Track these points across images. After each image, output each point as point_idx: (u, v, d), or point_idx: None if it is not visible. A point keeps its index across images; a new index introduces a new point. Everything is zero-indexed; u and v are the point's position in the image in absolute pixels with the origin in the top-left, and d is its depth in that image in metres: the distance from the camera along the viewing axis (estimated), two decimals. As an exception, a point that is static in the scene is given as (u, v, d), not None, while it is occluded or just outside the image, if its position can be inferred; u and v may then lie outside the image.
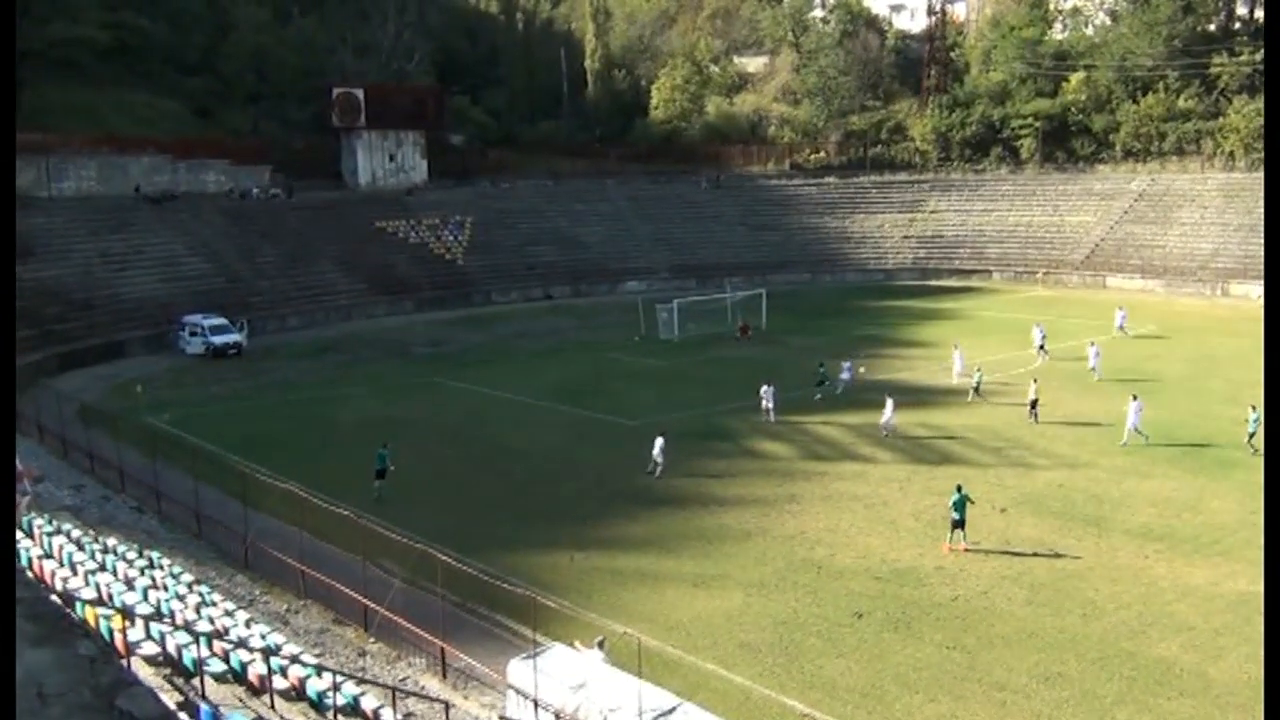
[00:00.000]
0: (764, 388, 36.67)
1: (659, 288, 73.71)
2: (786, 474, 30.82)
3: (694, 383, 44.51)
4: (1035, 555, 23.97)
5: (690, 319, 57.12)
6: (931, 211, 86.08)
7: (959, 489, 24.24)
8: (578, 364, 49.63)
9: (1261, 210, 64.89)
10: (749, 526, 26.44)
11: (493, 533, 26.27)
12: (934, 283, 75.85)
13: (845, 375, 40.48)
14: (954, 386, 40.37)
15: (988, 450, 33.01)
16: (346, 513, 24.03)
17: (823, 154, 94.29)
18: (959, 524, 24.04)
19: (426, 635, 19.46)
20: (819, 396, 39.39)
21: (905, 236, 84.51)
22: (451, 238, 77.98)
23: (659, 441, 30.74)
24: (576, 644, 17.69)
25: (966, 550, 24.03)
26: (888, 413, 34.19)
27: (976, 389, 38.24)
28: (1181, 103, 78.49)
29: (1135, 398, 33.05)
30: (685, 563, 24.15)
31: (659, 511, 27.70)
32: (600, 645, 17.37)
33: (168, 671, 15.04)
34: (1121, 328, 49.85)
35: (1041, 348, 45.10)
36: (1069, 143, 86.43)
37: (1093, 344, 43.13)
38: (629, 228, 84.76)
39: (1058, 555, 24.02)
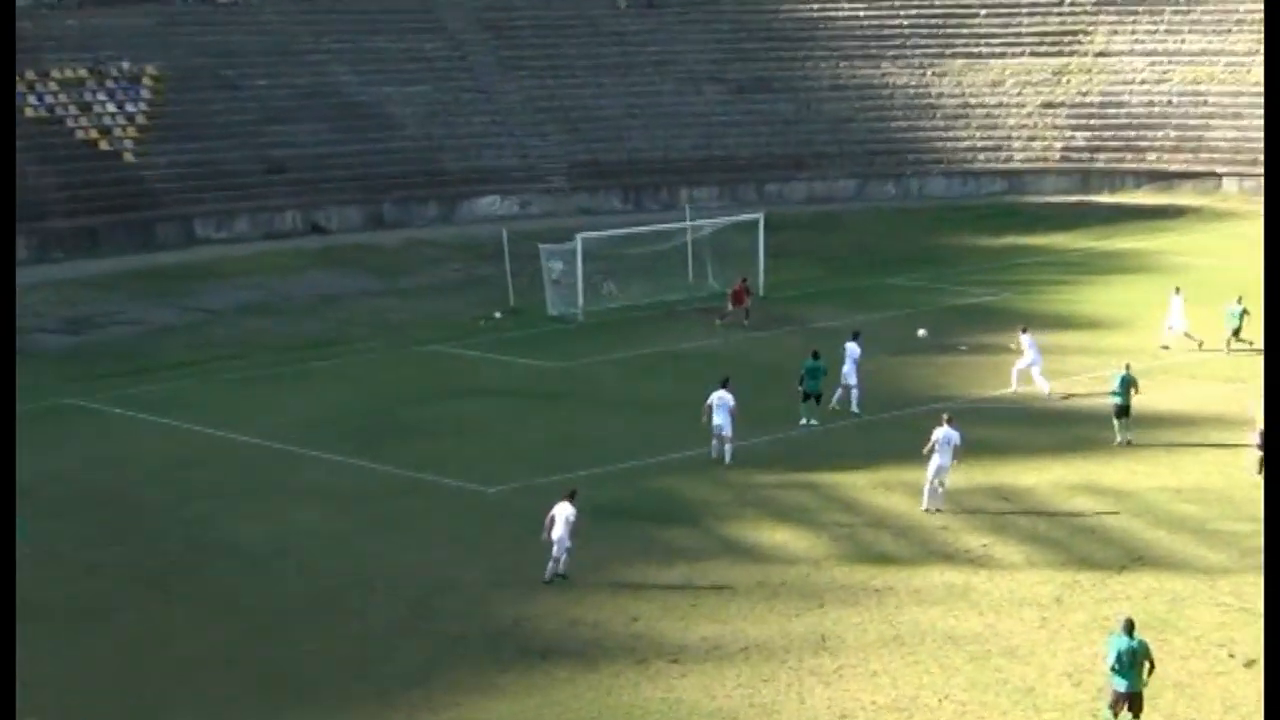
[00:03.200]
0: (714, 396, 39.13)
1: (544, 210, 75.90)
2: (807, 590, 31.39)
3: (618, 407, 45.56)
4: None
5: (610, 274, 58.58)
6: (1098, 54, 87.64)
7: (1127, 628, 24.59)
8: (378, 372, 50.17)
9: None
10: (735, 705, 26.55)
11: (197, 725, 26.06)
12: (1103, 198, 77.99)
13: (849, 374, 43.88)
14: (1054, 408, 44.08)
15: (1210, 537, 33.73)
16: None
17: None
18: (1126, 700, 24.57)
19: None
20: (811, 424, 42.36)
21: (1046, 105, 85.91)
22: (114, 109, 77.45)
23: (563, 512, 31.61)
24: None
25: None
26: (939, 460, 35.71)
27: (1123, 410, 40.62)
28: None
29: None
30: (602, 784, 24.29)
31: (549, 673, 27.92)
32: None
33: None
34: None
35: (1232, 336, 50.25)
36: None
37: None
38: (484, 87, 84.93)
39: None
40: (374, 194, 77.73)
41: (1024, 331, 46.47)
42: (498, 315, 57.48)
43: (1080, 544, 33.77)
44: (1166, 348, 50.71)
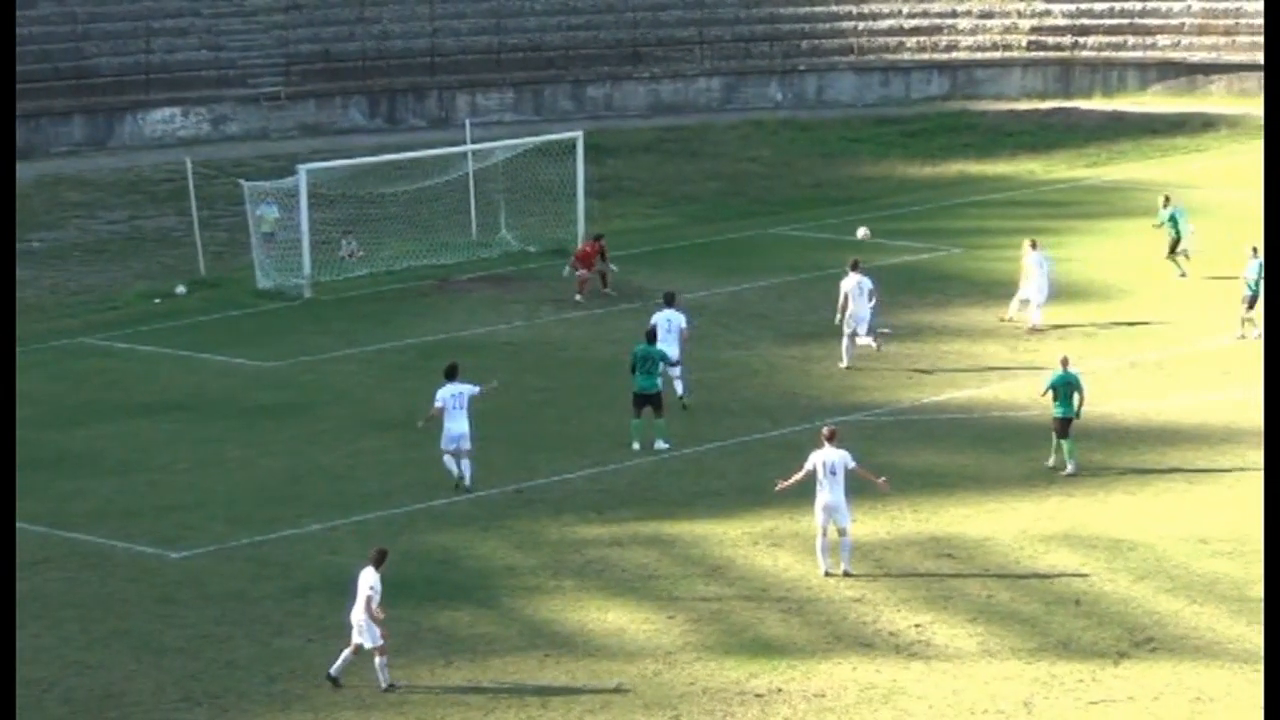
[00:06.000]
0: (443, 394, 36.30)
1: (249, 129, 70.70)
2: (655, 696, 27.46)
3: (367, 427, 41.78)
4: None
5: (353, 226, 54.98)
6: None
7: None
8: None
9: None
10: None
11: None
12: (1094, 103, 73.83)
13: (675, 373, 40.90)
14: (1027, 420, 39.78)
15: (1253, 608, 29.31)
16: None
17: None
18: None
19: None
20: (660, 446, 38.30)
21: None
22: None
23: (363, 584, 27.97)
24: None
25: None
26: (827, 497, 31.61)
27: (1064, 427, 36.91)
28: None
29: None
30: None
31: None
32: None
33: None
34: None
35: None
36: None
37: None
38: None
39: None
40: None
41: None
42: (180, 290, 50.90)
43: (1060, 621, 29.41)
44: (1008, 320, 46.41)
